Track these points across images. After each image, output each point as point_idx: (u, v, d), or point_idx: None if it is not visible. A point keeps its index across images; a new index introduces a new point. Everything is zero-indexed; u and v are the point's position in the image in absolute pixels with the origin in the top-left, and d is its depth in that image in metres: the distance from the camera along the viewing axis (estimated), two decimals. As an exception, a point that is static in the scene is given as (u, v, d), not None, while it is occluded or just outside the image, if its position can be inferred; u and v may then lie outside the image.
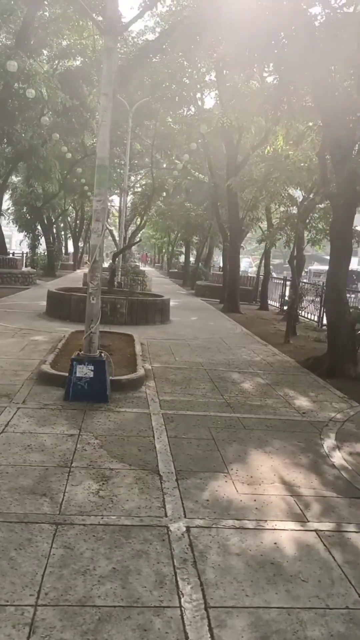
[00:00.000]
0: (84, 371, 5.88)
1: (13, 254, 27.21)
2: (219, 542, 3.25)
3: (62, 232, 42.04)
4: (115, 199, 36.60)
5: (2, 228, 24.71)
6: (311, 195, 12.80)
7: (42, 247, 32.55)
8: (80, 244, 39.42)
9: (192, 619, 2.56)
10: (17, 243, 40.16)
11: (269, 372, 8.29)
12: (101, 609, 2.58)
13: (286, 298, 16.06)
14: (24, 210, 29.73)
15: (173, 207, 29.15)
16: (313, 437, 5.34)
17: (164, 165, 29.00)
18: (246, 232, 21.02)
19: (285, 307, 15.72)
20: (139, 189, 36.32)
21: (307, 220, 12.87)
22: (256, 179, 12.99)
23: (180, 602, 2.68)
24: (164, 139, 24.96)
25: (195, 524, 3.44)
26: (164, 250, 50.21)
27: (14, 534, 3.17)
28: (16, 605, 2.56)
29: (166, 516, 3.52)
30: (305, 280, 19.11)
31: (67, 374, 6.00)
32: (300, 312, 14.88)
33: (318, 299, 14.51)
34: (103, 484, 3.91)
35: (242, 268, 22.05)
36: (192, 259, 33.73)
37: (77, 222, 38.27)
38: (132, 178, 35.19)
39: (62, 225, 39.84)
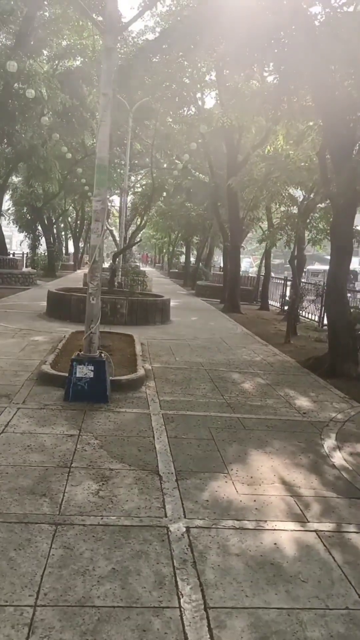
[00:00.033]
0: (84, 371, 5.88)
1: (13, 254, 27.26)
2: (219, 543, 3.25)
3: (63, 233, 42.05)
4: (116, 199, 36.55)
5: (3, 228, 24.75)
6: (312, 195, 12.81)
7: (42, 248, 32.61)
8: (81, 244, 39.44)
9: (192, 620, 2.56)
10: (18, 243, 40.20)
11: (270, 372, 8.28)
12: (100, 610, 2.58)
13: (287, 298, 16.05)
14: (24, 210, 29.80)
15: (173, 207, 29.14)
16: (313, 438, 5.33)
17: (164, 165, 28.97)
18: (247, 232, 21.03)
19: (285, 307, 15.71)
20: (139, 189, 36.31)
21: (308, 220, 12.87)
22: (256, 178, 12.99)
23: (179, 602, 2.68)
24: (164, 139, 24.92)
25: (195, 525, 3.44)
26: (164, 251, 50.20)
27: (14, 534, 3.17)
28: (15, 606, 2.56)
29: (166, 516, 3.51)
30: (305, 280, 19.09)
31: (67, 374, 6.00)
32: (300, 312, 14.88)
33: (319, 299, 14.51)
34: (103, 484, 3.90)
35: (242, 268, 22.06)
36: (192, 259, 33.69)
37: (78, 222, 38.29)
38: (132, 178, 35.14)
39: (62, 225, 39.88)
